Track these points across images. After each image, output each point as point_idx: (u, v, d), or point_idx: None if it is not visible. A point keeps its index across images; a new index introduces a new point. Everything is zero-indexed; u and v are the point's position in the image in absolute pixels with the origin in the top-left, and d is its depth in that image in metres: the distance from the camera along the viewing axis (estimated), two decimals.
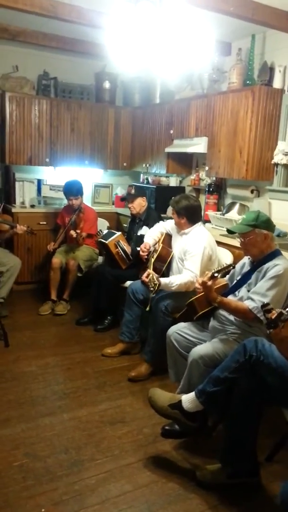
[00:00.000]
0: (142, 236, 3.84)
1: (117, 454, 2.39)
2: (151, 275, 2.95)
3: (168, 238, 3.51)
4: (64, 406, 2.82)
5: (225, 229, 3.92)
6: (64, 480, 2.17)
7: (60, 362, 3.40)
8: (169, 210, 4.39)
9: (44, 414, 2.71)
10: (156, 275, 3.01)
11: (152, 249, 3.44)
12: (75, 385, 3.08)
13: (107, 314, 4.04)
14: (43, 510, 1.69)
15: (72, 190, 4.50)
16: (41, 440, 2.46)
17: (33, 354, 3.48)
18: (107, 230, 4.23)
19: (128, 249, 3.90)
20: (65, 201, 4.87)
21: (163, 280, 3.00)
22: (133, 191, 4.03)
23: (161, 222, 3.68)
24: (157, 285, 2.88)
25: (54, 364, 3.37)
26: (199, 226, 3.28)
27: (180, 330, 2.73)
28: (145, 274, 3.06)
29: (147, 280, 2.96)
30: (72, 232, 4.37)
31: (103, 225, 4.90)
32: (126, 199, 4.17)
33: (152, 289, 2.88)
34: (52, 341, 3.77)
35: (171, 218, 3.46)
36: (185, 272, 3.08)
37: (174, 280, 3.04)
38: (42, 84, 5.06)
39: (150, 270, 3.07)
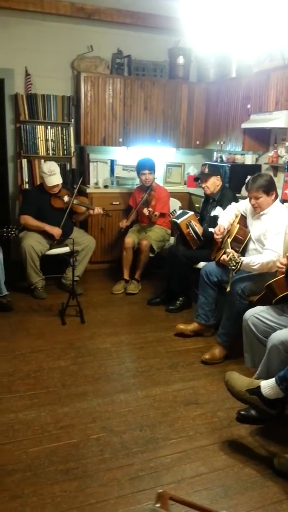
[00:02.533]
0: (215, 217, 3.73)
1: (191, 435, 2.38)
2: (231, 253, 2.84)
3: (243, 219, 3.37)
4: (138, 383, 2.86)
5: None
6: (139, 456, 2.21)
7: (133, 340, 3.45)
8: (243, 190, 4.23)
9: (119, 390, 2.76)
10: (237, 254, 2.91)
11: (225, 232, 3.33)
12: (148, 363, 3.11)
13: (179, 295, 4.02)
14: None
15: (146, 164, 4.48)
16: (117, 416, 2.52)
17: (107, 332, 3.56)
18: (181, 210, 4.17)
19: (199, 229, 3.82)
20: (137, 181, 4.87)
21: (245, 260, 2.90)
22: (206, 170, 3.91)
23: (233, 203, 3.53)
24: (239, 263, 2.76)
25: (128, 342, 3.42)
26: (277, 203, 3.12)
27: (258, 313, 2.62)
28: (225, 255, 2.97)
29: (227, 259, 2.86)
30: (145, 210, 4.36)
31: (175, 205, 4.84)
32: (199, 179, 4.07)
33: (233, 267, 2.77)
34: (125, 320, 3.83)
35: (246, 198, 3.32)
36: (267, 252, 2.95)
37: (256, 259, 2.92)
38: (115, 63, 5.03)
39: (230, 250, 2.96)
